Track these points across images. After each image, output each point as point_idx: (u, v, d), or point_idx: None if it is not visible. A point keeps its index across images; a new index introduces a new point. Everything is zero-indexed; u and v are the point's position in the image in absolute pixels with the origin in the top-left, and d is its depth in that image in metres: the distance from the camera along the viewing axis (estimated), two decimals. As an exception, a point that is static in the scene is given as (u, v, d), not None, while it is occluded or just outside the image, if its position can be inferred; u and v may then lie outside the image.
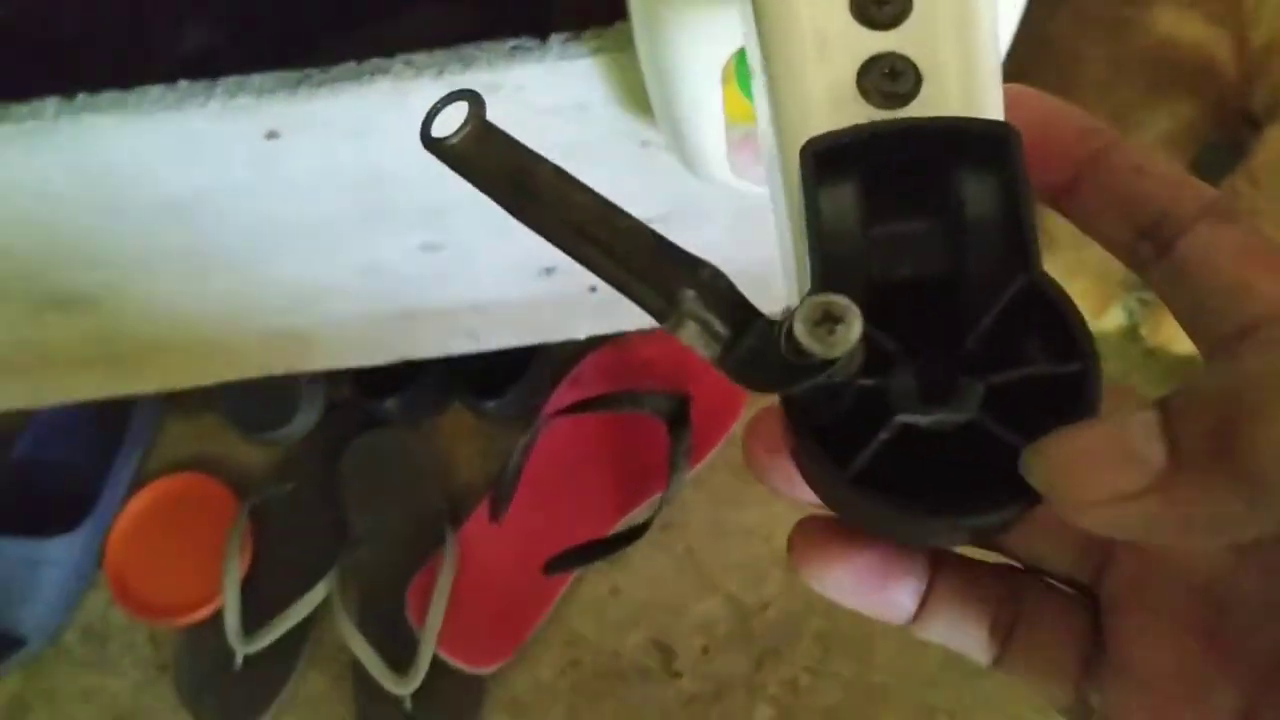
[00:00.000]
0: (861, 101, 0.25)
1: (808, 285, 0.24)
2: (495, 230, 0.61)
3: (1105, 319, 0.92)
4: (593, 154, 0.53)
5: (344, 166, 0.52)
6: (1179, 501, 0.18)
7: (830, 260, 0.24)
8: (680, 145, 0.48)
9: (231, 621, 0.92)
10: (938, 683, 0.93)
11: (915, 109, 0.25)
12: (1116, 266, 0.75)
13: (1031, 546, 0.27)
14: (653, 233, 0.24)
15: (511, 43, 0.46)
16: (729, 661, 0.95)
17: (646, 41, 0.42)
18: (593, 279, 0.70)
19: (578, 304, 0.75)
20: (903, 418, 0.23)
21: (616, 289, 0.24)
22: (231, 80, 0.46)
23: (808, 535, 0.26)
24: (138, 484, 1.01)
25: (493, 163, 0.25)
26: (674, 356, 0.99)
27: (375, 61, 0.46)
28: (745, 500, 0.98)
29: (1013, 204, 0.24)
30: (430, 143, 0.25)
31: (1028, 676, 0.26)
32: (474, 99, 0.25)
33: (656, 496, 0.95)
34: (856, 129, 0.25)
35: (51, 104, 0.46)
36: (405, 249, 0.62)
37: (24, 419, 1.01)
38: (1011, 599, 0.26)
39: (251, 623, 0.93)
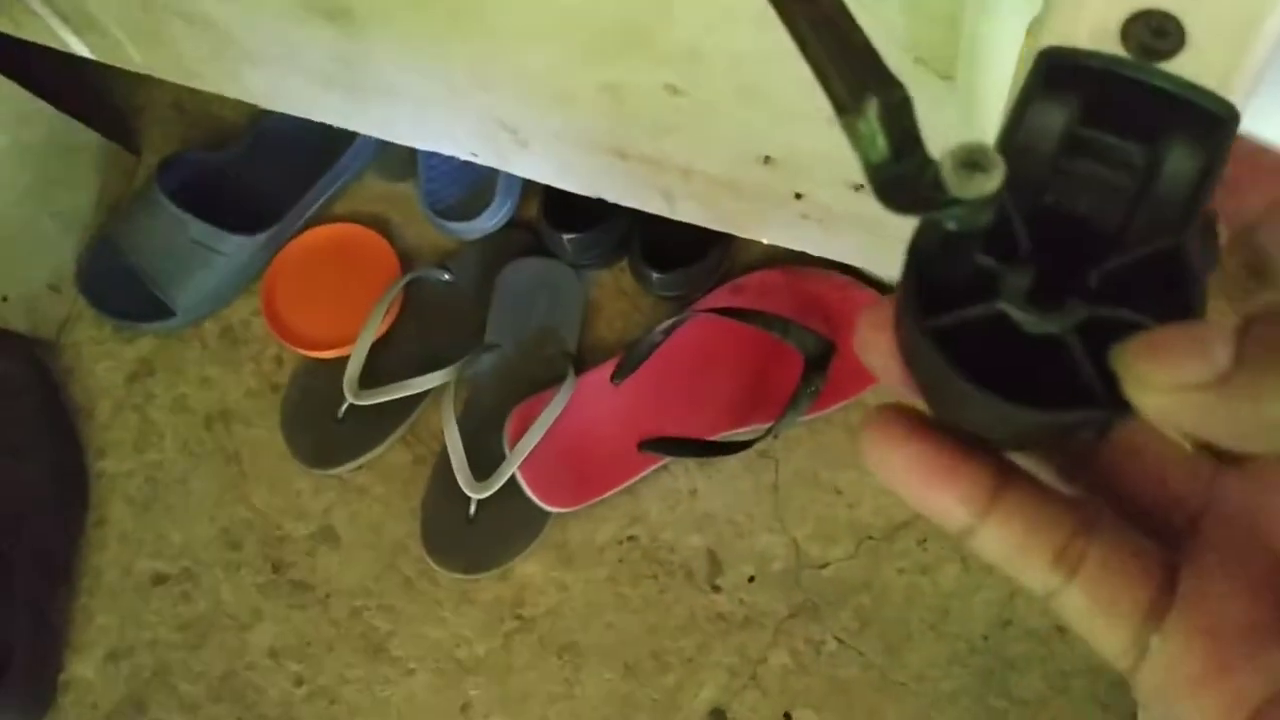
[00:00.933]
0: (1118, 43, 0.26)
1: None
2: (739, 96, 0.63)
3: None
4: None
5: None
6: (1234, 397, 0.20)
7: (1012, 158, 0.24)
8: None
9: (352, 371, 0.98)
10: (953, 704, 0.93)
11: (1166, 67, 0.25)
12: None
13: (1132, 482, 0.28)
14: (869, 42, 0.25)
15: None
16: (769, 598, 0.97)
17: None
18: (801, 185, 0.71)
19: (778, 206, 0.76)
20: (1003, 305, 0.24)
21: (814, 70, 0.25)
22: None
23: (884, 418, 0.26)
24: (322, 219, 1.07)
25: None
26: (838, 303, 1.00)
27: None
28: (846, 463, 1.00)
29: (1201, 182, 0.25)
30: None
31: (1088, 612, 0.26)
32: None
33: (767, 424, 0.96)
34: (1100, 55, 0.26)
35: None
36: (651, 83, 0.64)
37: (254, 119, 1.08)
38: (1084, 532, 0.26)
39: (367, 380, 0.98)
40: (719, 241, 1.01)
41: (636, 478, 0.98)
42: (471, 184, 1.02)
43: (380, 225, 1.08)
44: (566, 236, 0.99)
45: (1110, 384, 0.22)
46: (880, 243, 0.79)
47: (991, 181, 0.22)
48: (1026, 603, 0.96)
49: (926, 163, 0.23)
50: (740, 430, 0.98)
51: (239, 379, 1.05)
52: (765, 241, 0.83)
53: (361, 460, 1.01)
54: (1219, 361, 0.20)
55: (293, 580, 1.01)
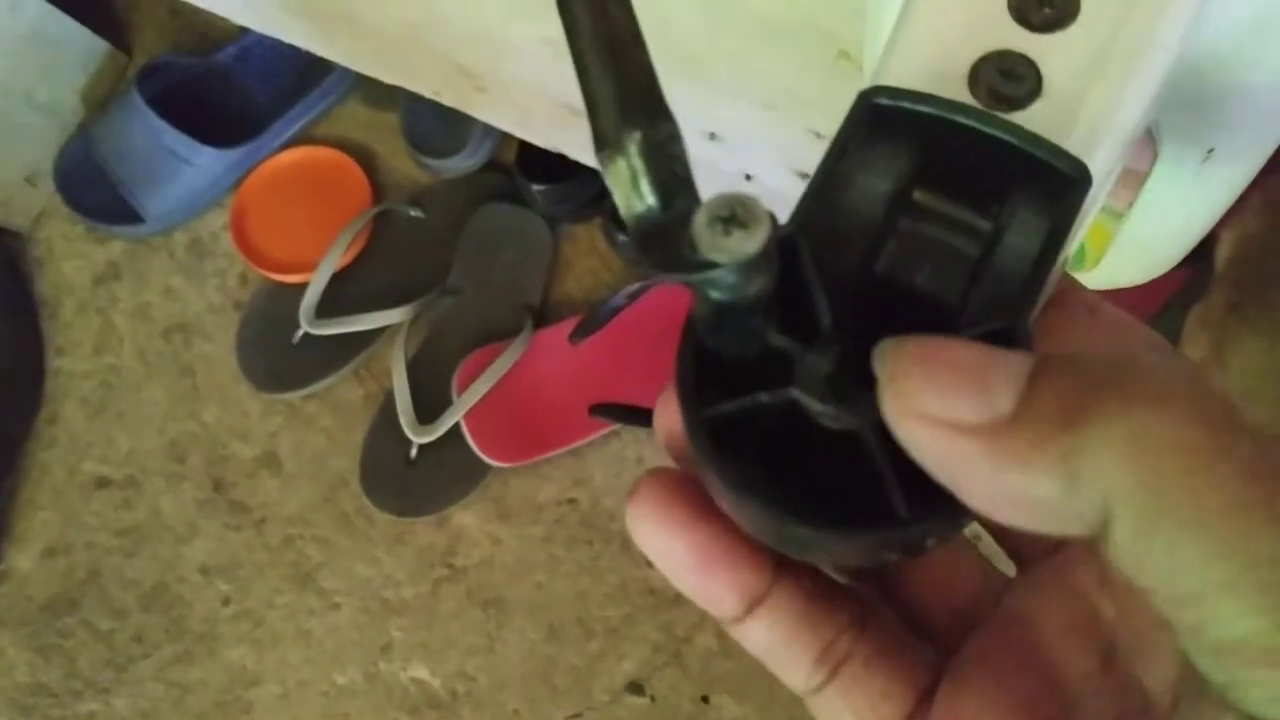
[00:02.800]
0: (965, 88, 0.23)
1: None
2: (679, 68, 0.60)
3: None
4: None
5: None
6: (1000, 454, 0.17)
7: (828, 218, 0.22)
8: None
9: (309, 299, 0.97)
10: None
11: (1015, 118, 0.22)
12: None
13: (914, 579, 0.25)
14: (651, 72, 0.22)
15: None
16: (702, 579, 0.95)
17: None
18: (750, 166, 0.68)
19: (729, 185, 0.73)
20: (797, 393, 0.21)
21: (584, 98, 0.22)
22: None
23: (659, 492, 0.22)
24: (300, 139, 1.05)
25: None
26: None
27: None
28: (799, 451, 0.97)
29: (1046, 249, 0.22)
30: None
31: (839, 716, 0.24)
32: None
33: (723, 402, 0.94)
34: (936, 100, 0.23)
35: None
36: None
37: (245, 29, 1.06)
38: (854, 628, 0.23)
39: (325, 309, 0.97)
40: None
41: (584, 441, 0.96)
42: (452, 120, 0.99)
43: (361, 153, 1.05)
44: (537, 187, 0.96)
45: (921, 498, 0.19)
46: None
47: (751, 242, 0.18)
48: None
49: (688, 213, 0.20)
50: (695, 405, 0.96)
51: (202, 293, 1.04)
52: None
53: (312, 389, 1.00)
54: (997, 406, 0.17)
55: (232, 500, 1.00)
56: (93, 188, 1.03)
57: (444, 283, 0.99)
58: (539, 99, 0.74)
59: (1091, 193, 0.22)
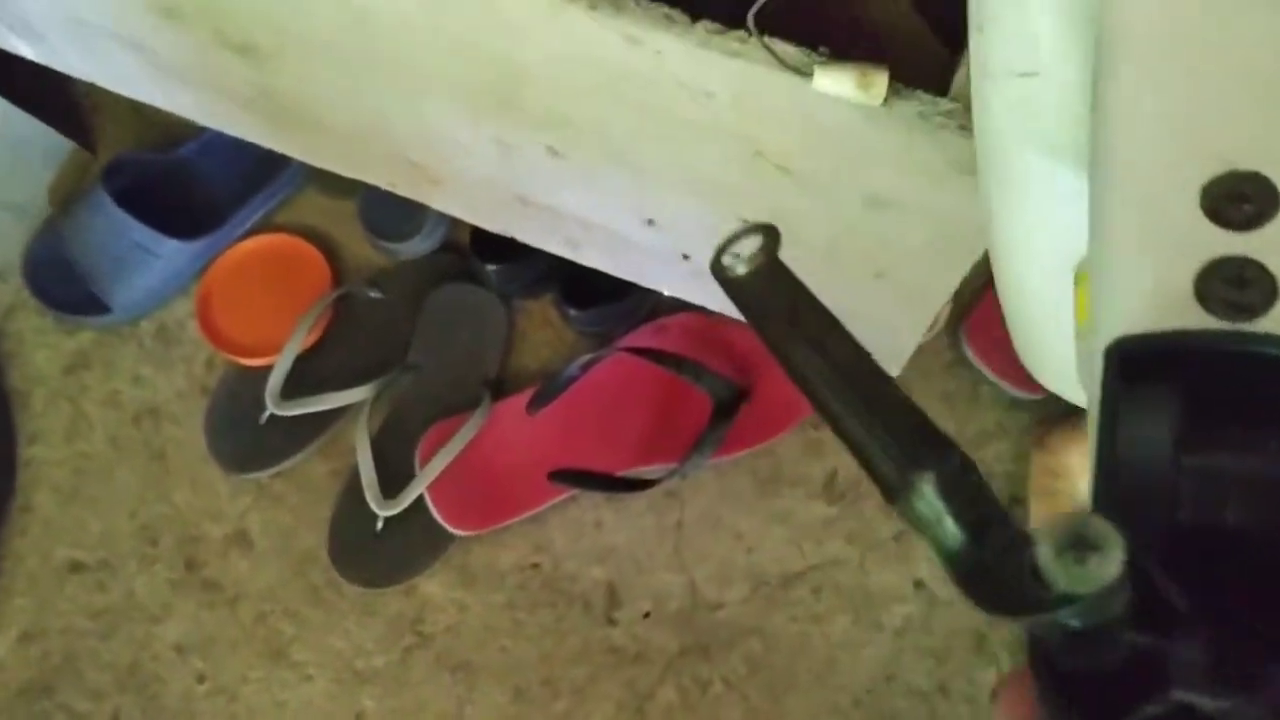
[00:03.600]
0: (1198, 308, 0.22)
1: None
2: (611, 161, 0.65)
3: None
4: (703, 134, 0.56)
5: (493, 50, 0.57)
6: None
7: (1122, 483, 0.21)
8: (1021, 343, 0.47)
9: (274, 381, 1.00)
10: (831, 754, 0.95)
11: (1264, 325, 0.21)
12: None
13: None
14: (908, 401, 0.22)
15: (665, 10, 0.49)
16: (662, 636, 0.99)
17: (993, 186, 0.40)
18: (686, 247, 0.73)
19: (670, 264, 0.78)
20: (1181, 694, 0.18)
21: (853, 451, 0.22)
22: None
23: None
24: (262, 228, 1.10)
25: (772, 298, 0.24)
26: (756, 353, 1.02)
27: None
28: (748, 508, 1.01)
29: None
30: (718, 272, 0.24)
31: None
32: (769, 234, 0.24)
33: (673, 465, 0.98)
34: (1183, 334, 0.21)
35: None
36: (533, 144, 0.67)
37: (197, 130, 1.10)
38: None
39: (292, 390, 1.01)
40: (639, 286, 1.03)
41: (544, 506, 1.00)
42: (407, 206, 1.04)
43: (320, 239, 1.10)
44: (491, 267, 1.01)
45: None
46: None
47: (1110, 565, 0.17)
48: (912, 659, 0.97)
49: (1017, 537, 0.19)
50: (649, 468, 1.00)
51: (170, 379, 1.08)
52: (666, 292, 0.85)
53: (279, 468, 1.03)
54: None
55: (204, 579, 1.03)
56: (61, 281, 1.07)
57: (404, 360, 1.04)
58: (488, 191, 0.79)
59: None
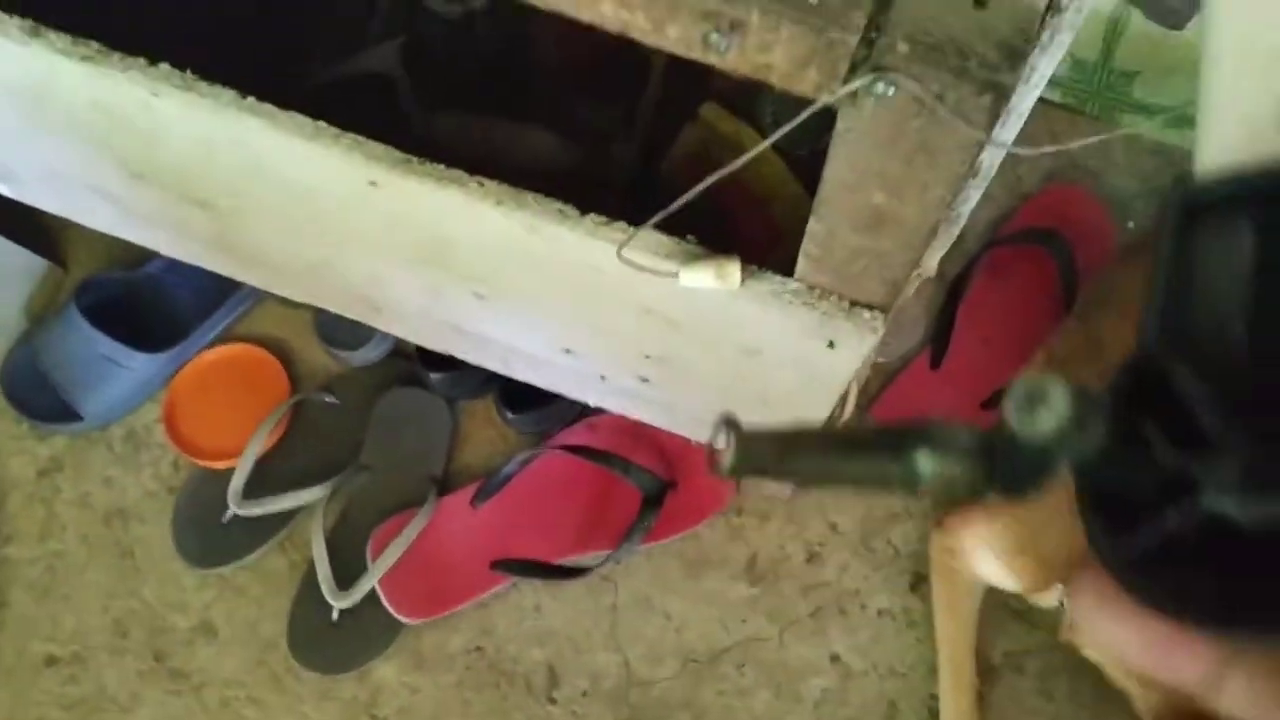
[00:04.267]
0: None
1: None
2: (529, 306, 0.75)
3: (1043, 597, 1.00)
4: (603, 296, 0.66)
5: (421, 223, 0.66)
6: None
7: (1183, 316, 0.22)
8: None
9: (236, 482, 1.09)
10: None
11: None
12: (1063, 552, 0.86)
13: None
14: (870, 428, 0.27)
15: (559, 206, 0.59)
16: (600, 712, 1.07)
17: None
18: (601, 370, 0.83)
19: (590, 382, 0.88)
20: (1212, 502, 0.20)
21: (867, 487, 0.27)
22: (349, 138, 0.60)
23: (1094, 585, 0.25)
24: (223, 338, 1.18)
25: (762, 456, 0.29)
26: (680, 449, 1.11)
27: (456, 172, 0.60)
28: (678, 590, 1.10)
29: None
30: (719, 472, 0.30)
31: None
32: (731, 424, 0.30)
33: (608, 551, 1.07)
34: (1245, 176, 0.22)
35: (229, 96, 0.61)
36: (460, 291, 0.76)
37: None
38: None
39: (252, 491, 1.09)
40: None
41: (488, 593, 1.09)
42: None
43: (278, 346, 1.19)
44: (435, 375, 1.10)
45: None
46: (677, 419, 0.90)
47: (1054, 409, 0.20)
48: (828, 729, 1.06)
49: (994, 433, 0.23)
50: (584, 555, 1.09)
51: (138, 480, 1.16)
52: (591, 403, 0.94)
53: (242, 562, 1.11)
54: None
55: (171, 668, 1.10)
56: (35, 391, 1.15)
57: (357, 461, 1.12)
58: (425, 319, 0.88)
59: None
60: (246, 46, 0.76)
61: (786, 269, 0.65)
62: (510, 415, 1.10)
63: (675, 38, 0.41)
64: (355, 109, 0.82)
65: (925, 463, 0.24)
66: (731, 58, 0.39)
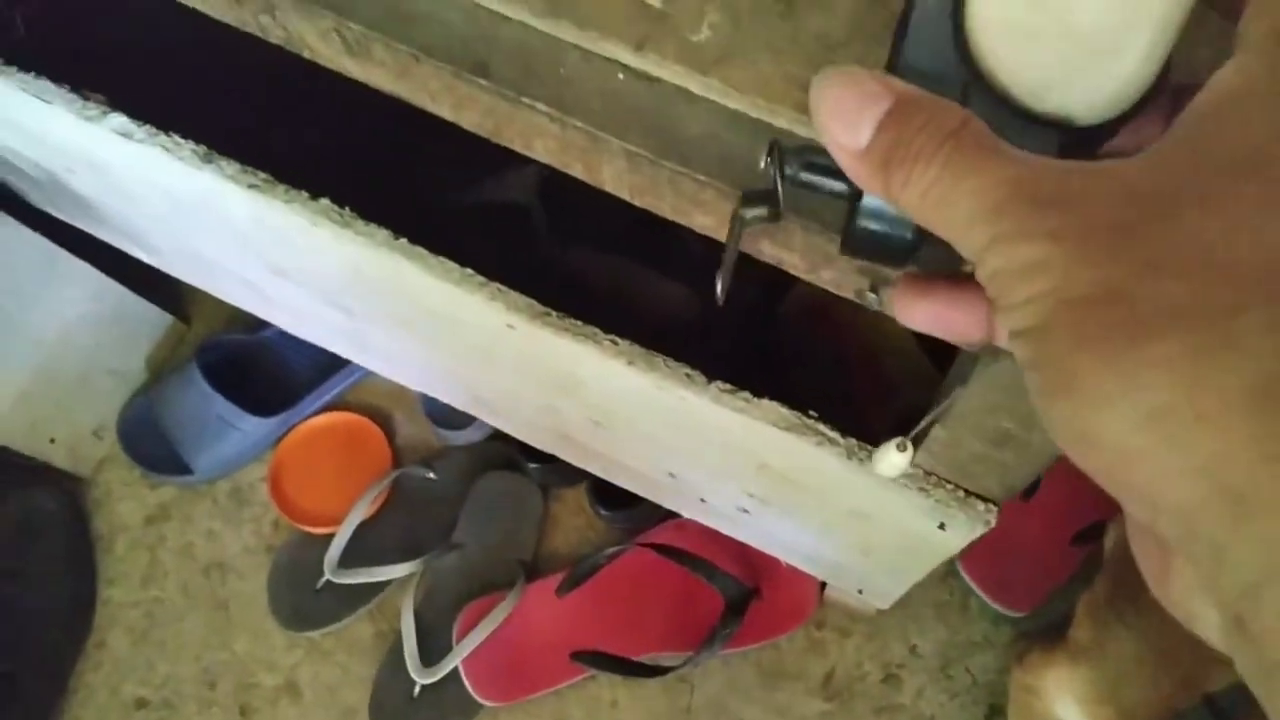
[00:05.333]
0: None
1: None
2: (645, 439, 0.77)
3: None
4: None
5: (553, 363, 0.69)
6: (859, 179, 0.26)
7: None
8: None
9: (333, 552, 1.12)
10: None
11: None
12: (1145, 707, 0.85)
13: None
14: None
15: (686, 370, 0.61)
16: (665, 813, 1.08)
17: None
18: (704, 494, 0.84)
19: (690, 502, 0.90)
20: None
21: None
22: (493, 287, 0.63)
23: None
24: (333, 406, 1.22)
25: None
26: (766, 558, 1.12)
27: (590, 329, 0.62)
28: (753, 699, 1.11)
29: None
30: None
31: None
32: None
33: (687, 653, 1.08)
34: None
35: (384, 235, 0.64)
36: (579, 415, 0.78)
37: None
38: None
39: (348, 560, 1.12)
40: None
41: (566, 683, 1.11)
42: (463, 400, 1.17)
43: (382, 418, 1.22)
44: (533, 465, 1.13)
45: None
46: (771, 543, 0.92)
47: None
48: None
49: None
50: (664, 654, 1.11)
51: (239, 536, 1.20)
52: (685, 515, 0.96)
53: (331, 628, 1.14)
54: (860, 139, 0.25)
55: (255, 725, 1.14)
56: (150, 442, 1.20)
57: (450, 538, 1.15)
58: (536, 425, 0.91)
59: None
60: (391, 166, 0.80)
61: (897, 428, 0.67)
62: (603, 511, 1.13)
63: (829, 279, 0.43)
64: (491, 232, 0.85)
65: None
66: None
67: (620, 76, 0.41)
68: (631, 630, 1.12)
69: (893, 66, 0.29)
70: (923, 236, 0.30)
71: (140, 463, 1.20)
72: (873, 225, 0.30)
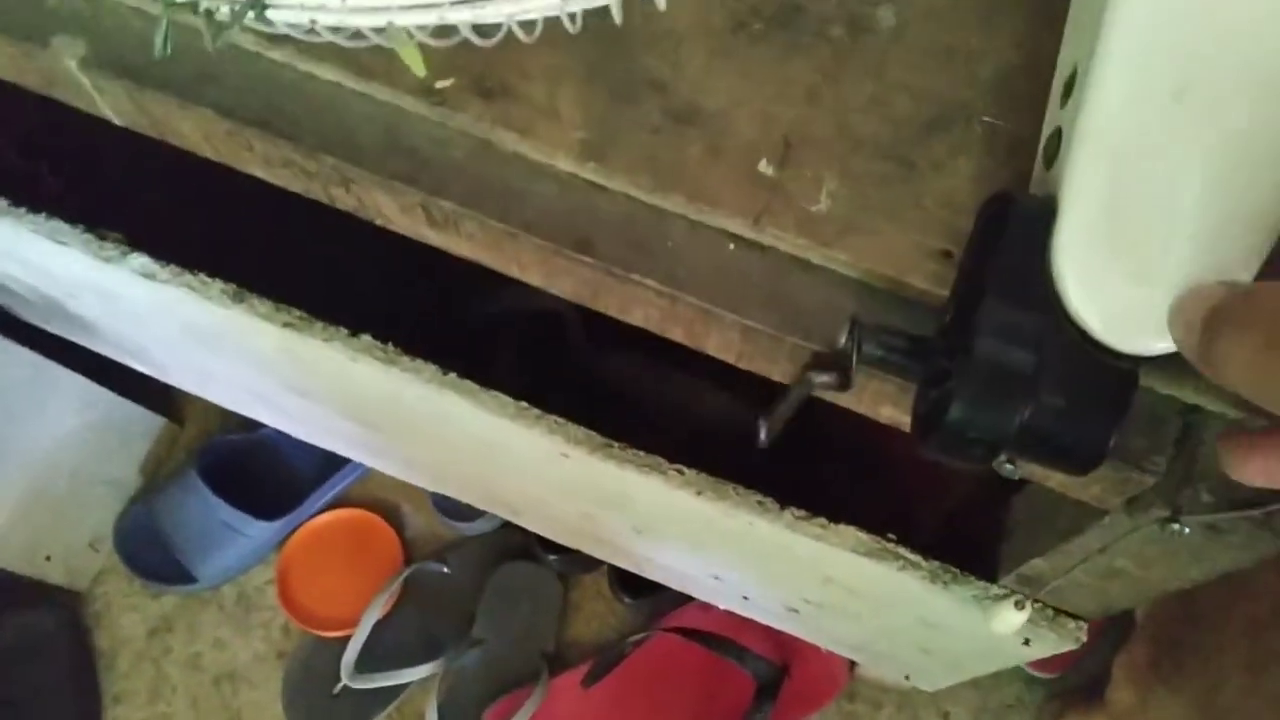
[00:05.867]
0: None
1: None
2: (691, 551, 0.75)
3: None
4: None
5: (607, 486, 0.67)
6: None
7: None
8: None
9: (350, 656, 1.09)
10: None
11: None
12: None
13: None
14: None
15: (758, 497, 0.60)
16: None
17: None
18: (748, 592, 0.82)
19: (728, 598, 0.87)
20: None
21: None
22: (551, 420, 0.61)
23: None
24: (338, 502, 1.19)
25: None
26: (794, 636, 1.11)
27: (655, 459, 0.60)
28: (790, 780, 1.09)
29: None
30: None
31: None
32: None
33: (720, 738, 1.06)
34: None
35: (431, 371, 0.62)
36: (623, 525, 0.76)
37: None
38: None
39: (365, 663, 1.09)
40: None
41: (598, 776, 1.08)
42: (474, 490, 1.14)
43: (390, 511, 1.19)
44: (552, 556, 1.10)
45: None
46: (816, 637, 0.90)
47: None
48: None
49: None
50: (695, 740, 1.08)
51: (248, 643, 1.16)
52: (720, 606, 0.94)
53: (351, 735, 1.11)
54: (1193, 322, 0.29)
55: (277, 840, 1.10)
56: (150, 550, 1.16)
57: (469, 634, 1.12)
58: (565, 525, 0.88)
59: None
60: (413, 272, 0.78)
61: (949, 528, 0.66)
62: (627, 600, 1.10)
63: (888, 417, 0.42)
64: (526, 340, 0.83)
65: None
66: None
67: (731, 247, 0.40)
68: (662, 718, 1.09)
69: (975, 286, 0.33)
70: (1002, 443, 0.32)
71: (141, 574, 1.16)
72: (964, 424, 0.32)
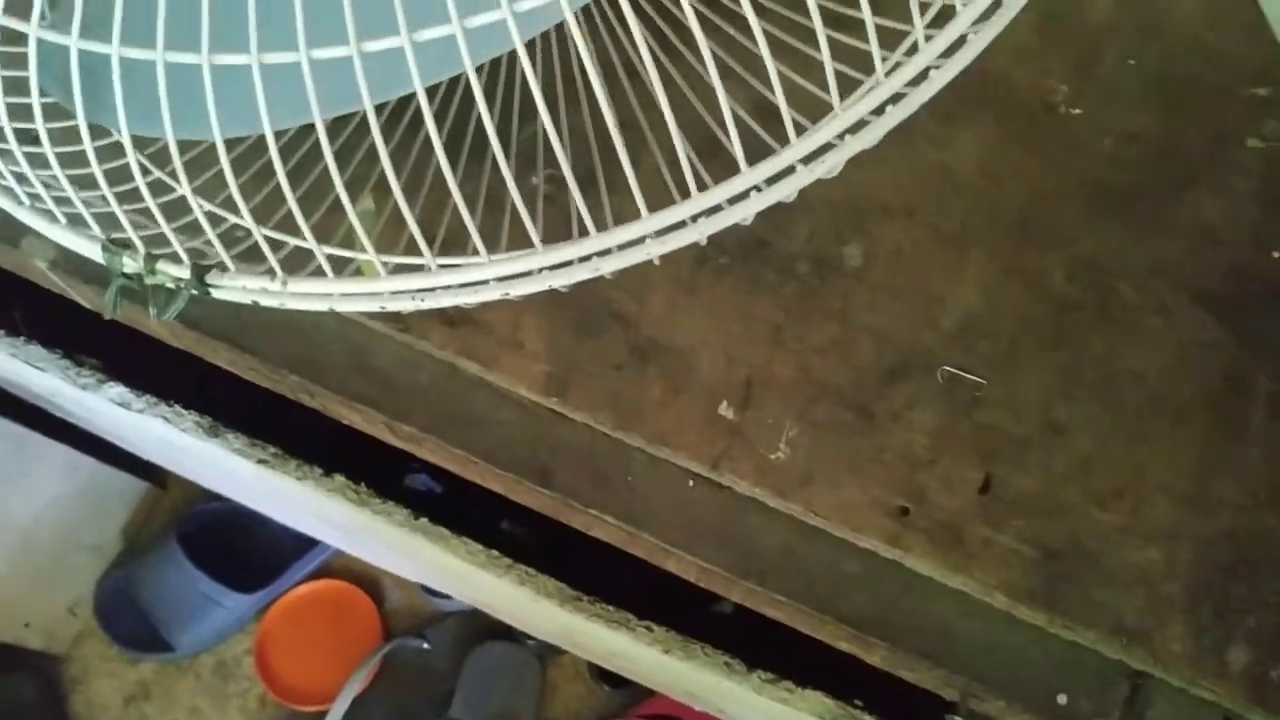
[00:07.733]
0: None
1: None
2: (667, 678, 0.75)
3: None
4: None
5: (581, 629, 0.67)
6: None
7: None
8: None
9: (326, 733, 1.09)
10: None
11: None
12: None
13: None
14: None
15: (725, 658, 0.60)
16: None
17: None
18: (729, 711, 0.81)
19: (705, 708, 0.88)
20: None
21: None
22: (520, 570, 0.61)
23: None
24: (318, 573, 1.19)
25: None
26: None
27: (623, 614, 0.60)
28: None
29: None
30: None
31: None
32: None
33: (694, 827, 1.06)
34: None
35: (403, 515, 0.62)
36: (601, 650, 0.76)
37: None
38: None
39: (340, 738, 1.09)
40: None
41: None
42: (455, 568, 1.14)
43: (371, 583, 1.19)
44: (530, 641, 1.10)
45: None
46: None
47: None
48: None
49: None
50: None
51: (224, 714, 1.16)
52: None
53: (326, 811, 1.11)
54: None
55: None
56: (129, 619, 1.15)
57: (446, 713, 1.12)
58: (544, 619, 0.88)
59: None
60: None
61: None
62: (607, 689, 1.10)
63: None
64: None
65: None
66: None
67: (690, 484, 0.40)
68: (638, 803, 1.09)
69: None
70: None
71: (119, 641, 1.16)
72: None
